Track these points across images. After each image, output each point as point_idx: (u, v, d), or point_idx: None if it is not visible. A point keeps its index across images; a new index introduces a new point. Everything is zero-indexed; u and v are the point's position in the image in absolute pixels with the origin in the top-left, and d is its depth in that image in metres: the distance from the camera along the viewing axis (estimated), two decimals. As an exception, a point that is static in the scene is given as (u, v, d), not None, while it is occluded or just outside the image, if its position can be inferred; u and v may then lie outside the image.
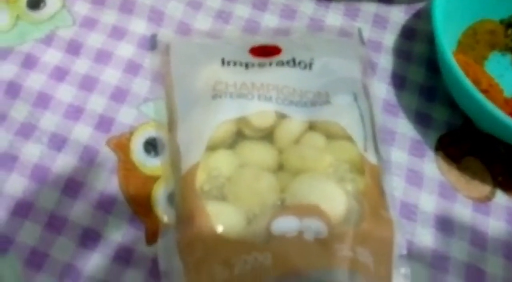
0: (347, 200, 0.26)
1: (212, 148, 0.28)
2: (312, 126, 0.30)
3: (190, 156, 0.28)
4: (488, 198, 0.32)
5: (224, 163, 0.28)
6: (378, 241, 0.25)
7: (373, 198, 0.27)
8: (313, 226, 0.24)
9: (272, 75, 0.31)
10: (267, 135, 0.30)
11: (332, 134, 0.30)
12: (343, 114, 0.30)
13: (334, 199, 0.26)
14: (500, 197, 0.32)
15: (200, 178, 0.27)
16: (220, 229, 0.25)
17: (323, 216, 0.24)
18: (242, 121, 0.30)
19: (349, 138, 0.29)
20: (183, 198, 0.27)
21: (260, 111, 0.30)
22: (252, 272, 0.22)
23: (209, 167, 0.27)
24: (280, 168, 0.29)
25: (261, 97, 0.30)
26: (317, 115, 0.30)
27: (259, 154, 0.29)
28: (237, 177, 0.27)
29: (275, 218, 0.25)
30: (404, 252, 0.28)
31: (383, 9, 0.38)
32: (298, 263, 0.23)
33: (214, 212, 0.25)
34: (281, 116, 0.30)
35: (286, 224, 0.24)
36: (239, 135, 0.30)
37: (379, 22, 0.38)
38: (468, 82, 0.29)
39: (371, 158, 0.29)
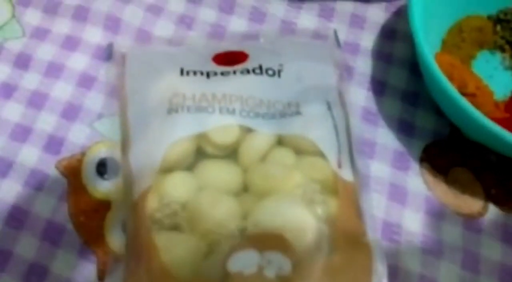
0: (316, 226, 0.23)
1: (166, 169, 0.25)
2: (280, 141, 0.27)
3: (143, 179, 0.25)
4: (481, 214, 0.29)
5: (179, 186, 0.25)
6: (353, 273, 0.22)
7: (347, 223, 0.24)
8: (275, 260, 0.21)
9: (236, 84, 0.28)
10: (231, 153, 0.27)
11: (302, 150, 0.26)
12: (315, 126, 0.27)
13: (301, 225, 0.22)
14: (494, 212, 0.29)
15: (151, 205, 0.24)
16: (170, 265, 0.22)
17: (287, 247, 0.21)
18: (201, 138, 0.26)
19: (320, 154, 0.26)
20: (134, 228, 0.24)
21: (221, 126, 0.27)
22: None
23: (161, 193, 0.24)
24: (244, 189, 0.25)
25: (223, 110, 0.27)
26: (286, 128, 0.27)
27: (220, 174, 0.26)
28: (193, 203, 0.24)
29: (233, 252, 0.21)
30: (385, 281, 0.24)
31: (361, 8, 0.35)
32: (256, 307, 0.19)
33: (164, 244, 0.22)
34: (246, 131, 0.27)
35: (245, 259, 0.21)
36: (199, 154, 0.27)
37: (357, 22, 0.35)
38: (451, 88, 0.26)
39: (346, 174, 0.26)
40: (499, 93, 0.32)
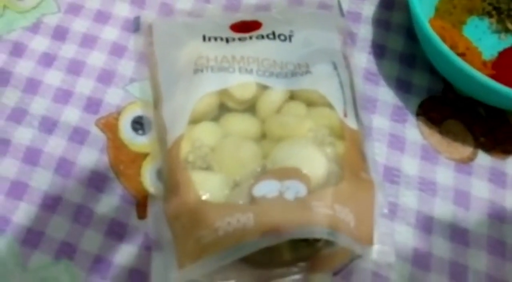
0: (326, 162, 0.27)
1: (195, 120, 0.29)
2: (293, 96, 0.31)
3: (175, 130, 0.29)
4: (470, 159, 0.33)
5: (208, 133, 0.29)
6: (358, 200, 0.26)
7: (353, 161, 0.28)
8: (293, 186, 0.25)
9: (252, 48, 0.32)
10: (250, 107, 0.31)
11: (312, 102, 0.30)
12: (323, 82, 0.31)
13: (314, 161, 0.26)
14: (482, 157, 0.33)
15: (184, 149, 0.28)
16: (204, 196, 0.26)
17: (303, 177, 0.25)
18: (224, 93, 0.30)
19: (328, 105, 0.30)
20: (169, 170, 0.28)
21: (241, 84, 0.30)
22: (235, 232, 0.23)
23: (193, 138, 0.28)
24: (262, 136, 0.29)
25: (242, 69, 0.31)
26: (298, 85, 0.31)
27: (242, 124, 0.30)
28: (220, 147, 0.28)
29: (257, 182, 0.25)
30: (386, 211, 0.28)
31: (362, -19, 0.39)
32: (278, 221, 0.23)
33: (198, 181, 0.26)
34: (263, 88, 0.31)
35: (267, 187, 0.25)
36: (223, 108, 0.31)
37: (358, -6, 0.38)
38: (444, 47, 0.30)
39: (351, 123, 0.30)
40: (487, 54, 0.36)
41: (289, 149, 0.27)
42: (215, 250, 0.24)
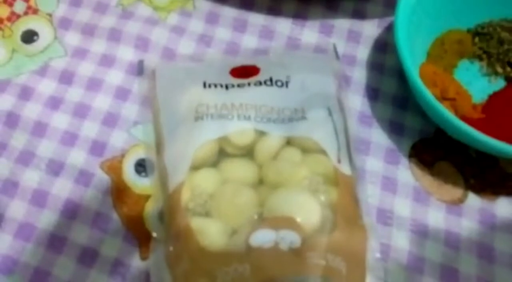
0: (320, 210, 0.28)
1: (196, 167, 0.31)
2: (289, 142, 0.32)
3: (176, 175, 0.30)
4: (461, 200, 0.34)
5: (207, 180, 0.30)
6: (351, 247, 0.27)
7: (346, 207, 0.29)
8: (288, 236, 0.26)
9: (250, 95, 0.34)
10: (248, 152, 0.32)
11: (307, 149, 0.32)
12: (318, 129, 0.32)
13: (308, 210, 0.28)
14: (472, 199, 0.34)
15: (185, 196, 0.29)
16: (204, 243, 0.27)
17: (297, 227, 0.27)
18: (223, 140, 0.32)
19: (323, 152, 0.31)
20: (171, 215, 0.29)
21: (240, 130, 0.32)
22: (233, 281, 0.25)
23: (193, 185, 0.30)
24: (260, 182, 0.31)
25: (240, 116, 0.32)
26: (294, 131, 0.32)
27: (240, 170, 0.31)
28: (219, 193, 0.29)
29: (254, 231, 0.27)
30: (378, 255, 0.30)
31: (357, 24, 0.40)
32: (274, 271, 0.25)
33: (198, 228, 0.28)
34: (260, 134, 0.32)
35: (263, 236, 0.26)
36: (222, 153, 0.32)
37: (353, 37, 0.40)
38: (431, 97, 0.31)
39: (345, 169, 0.31)
40: (477, 97, 0.37)
41: (285, 197, 0.29)
42: (213, 298, 0.25)
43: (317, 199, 0.29)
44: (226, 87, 0.34)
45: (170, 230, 0.29)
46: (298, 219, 0.27)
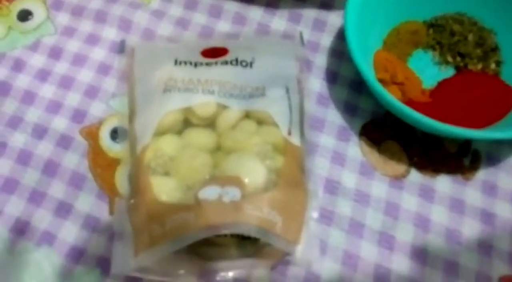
0: (265, 173, 0.32)
1: (160, 133, 0.34)
2: (247, 115, 0.36)
3: (143, 140, 0.34)
4: (403, 176, 0.38)
5: (169, 144, 0.34)
6: (288, 205, 0.31)
7: (290, 173, 0.33)
8: (231, 192, 0.30)
9: (216, 72, 0.37)
10: (210, 123, 0.36)
11: (262, 121, 0.35)
12: (274, 104, 0.36)
13: (254, 172, 0.31)
14: (414, 175, 0.38)
15: (148, 157, 0.33)
16: (160, 197, 0.31)
17: (241, 184, 0.30)
18: (188, 111, 0.35)
19: (275, 125, 0.35)
20: (135, 174, 0.33)
21: (203, 103, 0.36)
22: (179, 227, 0.28)
23: (156, 148, 0.33)
24: (217, 149, 0.34)
25: (205, 91, 0.36)
26: (253, 106, 0.36)
27: (201, 137, 0.35)
28: (178, 156, 0.33)
29: (203, 187, 0.31)
30: (315, 215, 0.33)
31: (323, 14, 0.44)
32: (214, 219, 0.28)
33: (156, 184, 0.31)
34: (223, 107, 0.36)
35: (210, 191, 0.30)
36: (187, 123, 0.36)
37: (319, 26, 0.43)
38: (376, 82, 0.35)
39: (295, 140, 0.35)
40: (428, 83, 0.40)
41: (236, 161, 0.32)
42: (162, 241, 0.29)
43: (263, 163, 0.32)
44: (195, 65, 0.38)
45: (133, 187, 0.33)
46: (243, 178, 0.31)
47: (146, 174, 0.32)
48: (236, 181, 0.30)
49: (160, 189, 0.31)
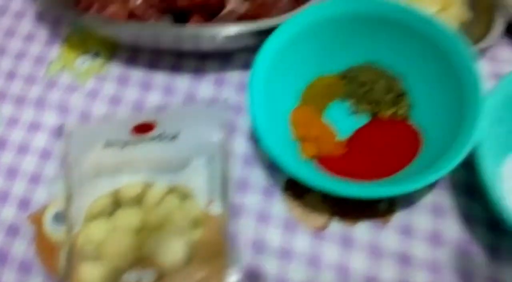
0: (183, 249, 0.35)
1: (91, 218, 0.38)
2: (172, 190, 0.39)
3: (76, 225, 0.38)
4: (324, 227, 0.40)
5: (98, 230, 0.37)
6: (207, 276, 0.34)
7: (207, 245, 0.36)
8: (148, 274, 0.33)
9: (144, 150, 0.40)
10: (138, 201, 0.39)
11: (184, 195, 0.38)
12: (194, 177, 0.39)
13: (172, 250, 0.34)
14: (335, 225, 0.40)
15: (80, 242, 0.36)
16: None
17: (157, 265, 0.33)
18: (116, 193, 0.39)
19: (194, 198, 0.38)
20: (69, 259, 0.37)
21: (130, 184, 0.39)
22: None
23: (86, 233, 0.37)
24: (143, 227, 0.37)
25: (132, 171, 0.39)
26: (177, 179, 0.39)
27: (128, 218, 0.38)
28: (106, 240, 0.36)
29: (127, 271, 0.34)
30: (236, 279, 0.36)
31: (246, 76, 0.47)
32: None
33: (83, 272, 0.35)
34: (149, 185, 0.39)
35: (131, 276, 0.33)
36: (116, 205, 0.39)
37: (242, 88, 0.46)
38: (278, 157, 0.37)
39: (215, 209, 0.38)
40: (343, 134, 0.43)
41: (156, 240, 0.35)
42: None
43: (182, 239, 0.35)
44: (124, 144, 0.41)
45: (66, 272, 0.36)
46: (161, 258, 0.34)
47: (77, 259, 0.36)
48: (152, 262, 0.34)
49: (86, 276, 0.35)
